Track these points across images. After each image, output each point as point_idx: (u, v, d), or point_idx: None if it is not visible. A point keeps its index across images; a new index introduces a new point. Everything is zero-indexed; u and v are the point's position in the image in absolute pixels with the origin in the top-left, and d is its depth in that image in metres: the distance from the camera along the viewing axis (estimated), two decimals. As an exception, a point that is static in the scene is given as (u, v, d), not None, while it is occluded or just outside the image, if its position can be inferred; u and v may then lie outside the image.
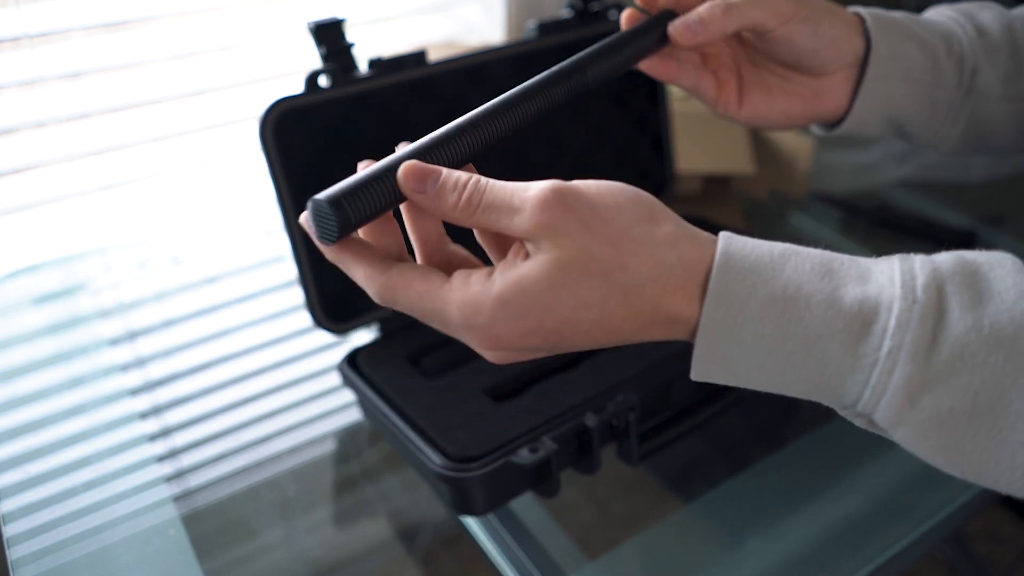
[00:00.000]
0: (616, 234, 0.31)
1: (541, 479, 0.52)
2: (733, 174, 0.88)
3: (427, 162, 0.34)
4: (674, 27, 0.47)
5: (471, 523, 0.57)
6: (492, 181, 0.33)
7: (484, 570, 0.56)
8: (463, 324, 0.32)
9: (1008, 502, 1.23)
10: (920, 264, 0.31)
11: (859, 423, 0.32)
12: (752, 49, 0.51)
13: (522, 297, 0.31)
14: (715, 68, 0.51)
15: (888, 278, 0.31)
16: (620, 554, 0.55)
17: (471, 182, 0.33)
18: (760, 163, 0.90)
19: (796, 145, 0.89)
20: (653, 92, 0.75)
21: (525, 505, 0.58)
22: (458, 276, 0.32)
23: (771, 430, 0.67)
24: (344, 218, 0.32)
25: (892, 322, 0.30)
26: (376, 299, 0.33)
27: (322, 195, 0.32)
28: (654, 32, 0.48)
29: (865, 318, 0.30)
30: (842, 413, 0.33)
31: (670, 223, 0.33)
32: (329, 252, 0.34)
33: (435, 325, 0.33)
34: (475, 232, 0.35)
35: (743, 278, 0.31)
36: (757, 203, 0.94)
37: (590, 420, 0.52)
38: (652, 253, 0.31)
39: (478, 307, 0.31)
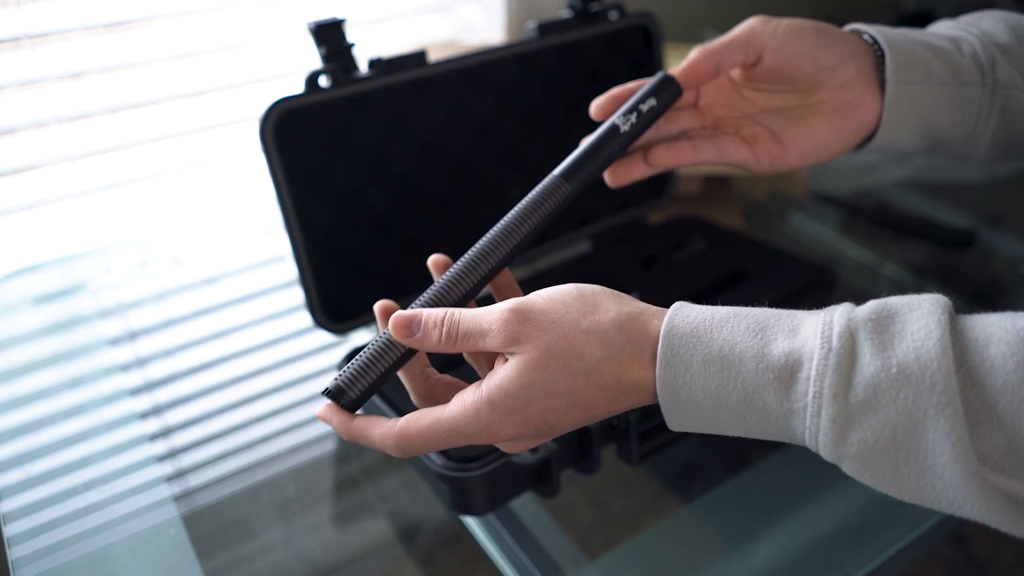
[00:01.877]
0: (568, 330, 0.37)
1: (541, 479, 0.52)
2: (733, 175, 0.88)
3: (440, 304, 0.41)
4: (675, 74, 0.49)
5: (471, 523, 0.57)
6: (463, 312, 0.39)
7: (484, 570, 0.56)
8: (472, 433, 0.37)
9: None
10: (839, 314, 0.34)
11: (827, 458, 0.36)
12: (760, 87, 0.50)
13: (505, 397, 0.36)
14: (735, 130, 0.50)
15: (812, 330, 0.34)
16: (620, 554, 0.55)
17: (446, 318, 0.39)
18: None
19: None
20: (653, 92, 0.75)
21: (525, 505, 0.58)
22: (454, 399, 0.38)
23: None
24: (352, 403, 0.42)
25: (813, 371, 0.33)
26: (398, 453, 0.39)
27: (331, 384, 0.41)
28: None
29: (792, 368, 0.34)
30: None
31: (614, 309, 0.37)
32: (345, 433, 0.41)
33: (453, 444, 0.38)
34: (463, 354, 0.42)
35: (685, 343, 0.36)
36: (757, 203, 0.94)
37: (590, 420, 0.52)
38: (601, 339, 0.36)
39: (477, 414, 0.37)
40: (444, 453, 0.51)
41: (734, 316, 0.36)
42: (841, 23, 0.52)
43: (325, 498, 0.61)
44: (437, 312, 0.39)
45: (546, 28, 0.68)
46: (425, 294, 0.42)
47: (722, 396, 0.35)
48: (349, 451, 0.65)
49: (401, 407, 0.55)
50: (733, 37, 0.49)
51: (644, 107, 0.48)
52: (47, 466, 0.60)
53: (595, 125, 0.72)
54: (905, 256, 0.85)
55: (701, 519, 0.58)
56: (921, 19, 1.24)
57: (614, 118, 0.48)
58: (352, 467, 0.64)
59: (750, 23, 0.49)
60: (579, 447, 0.54)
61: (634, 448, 0.54)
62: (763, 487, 0.59)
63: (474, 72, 0.65)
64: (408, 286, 0.64)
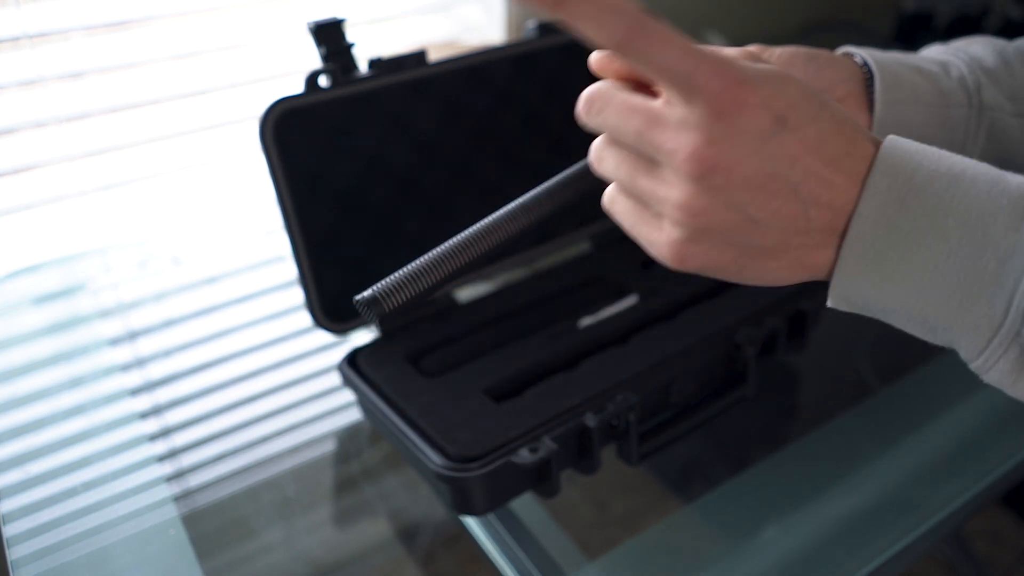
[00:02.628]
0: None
1: (541, 479, 0.52)
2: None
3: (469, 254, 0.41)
4: None
5: (471, 523, 0.57)
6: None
7: (484, 570, 0.56)
8: (712, 63, 0.31)
9: (1008, 502, 1.23)
10: None
11: (1001, 368, 0.32)
12: None
13: (762, 72, 0.32)
14: None
15: None
16: (620, 554, 0.55)
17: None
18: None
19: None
20: (653, 92, 0.75)
21: (525, 505, 0.58)
22: None
23: (771, 430, 0.67)
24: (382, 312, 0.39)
25: None
26: (621, 25, 0.30)
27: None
28: None
29: None
30: (982, 358, 0.33)
31: None
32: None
33: (683, 66, 0.31)
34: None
35: (910, 154, 0.32)
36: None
37: (590, 420, 0.52)
38: (832, 103, 0.33)
39: (728, 62, 0.31)
40: (444, 454, 0.51)
41: (960, 156, 0.33)
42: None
43: (325, 498, 0.61)
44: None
45: (546, 28, 0.68)
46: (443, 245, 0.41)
47: (939, 215, 0.31)
48: (349, 451, 0.65)
49: (401, 406, 0.55)
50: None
51: None
52: (47, 466, 0.60)
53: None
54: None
55: (701, 519, 0.58)
56: (921, 19, 1.24)
57: None
58: (352, 467, 0.64)
59: (747, 50, 0.49)
60: (579, 447, 0.54)
61: (634, 448, 0.54)
62: (763, 487, 0.59)
63: (474, 72, 0.65)
64: (408, 286, 0.64)
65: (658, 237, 0.35)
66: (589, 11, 0.30)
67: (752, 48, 0.49)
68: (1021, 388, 0.33)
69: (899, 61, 0.50)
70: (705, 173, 0.31)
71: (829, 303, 0.35)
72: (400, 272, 0.40)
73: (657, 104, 0.33)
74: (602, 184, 0.45)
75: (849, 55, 0.51)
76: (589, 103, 0.36)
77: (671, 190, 0.33)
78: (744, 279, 0.35)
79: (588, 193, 0.48)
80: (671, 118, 0.32)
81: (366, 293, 0.38)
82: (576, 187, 0.48)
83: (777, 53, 0.49)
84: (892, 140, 0.33)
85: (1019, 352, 0.31)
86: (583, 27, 0.30)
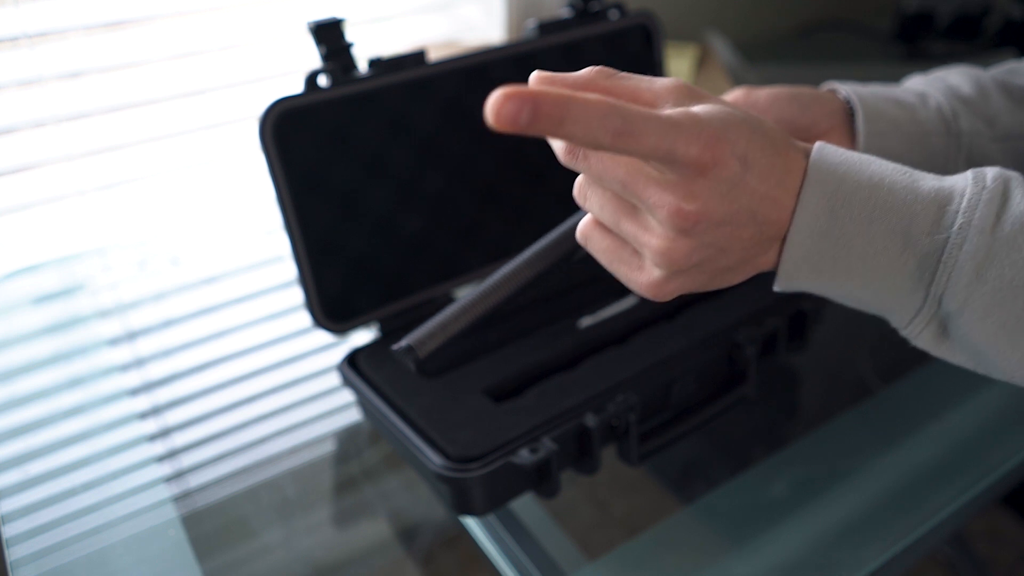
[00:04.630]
0: (736, 112, 0.36)
1: (541, 479, 0.52)
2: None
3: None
4: None
5: (471, 523, 0.57)
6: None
7: (484, 570, 0.56)
8: (691, 129, 0.33)
9: (1009, 502, 1.23)
10: (991, 167, 0.37)
11: (924, 338, 0.37)
12: None
13: (718, 116, 0.35)
14: None
15: (962, 177, 0.36)
16: (620, 555, 0.55)
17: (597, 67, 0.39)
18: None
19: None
20: (653, 92, 0.75)
21: (525, 505, 0.58)
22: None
23: (771, 430, 0.67)
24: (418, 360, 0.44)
25: (963, 203, 0.35)
26: (616, 127, 0.32)
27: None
28: None
29: (940, 202, 0.35)
30: (909, 328, 0.37)
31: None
32: (556, 97, 0.32)
33: (665, 139, 0.33)
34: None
35: (836, 165, 0.36)
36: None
37: (590, 420, 0.52)
38: (763, 122, 0.36)
39: (694, 116, 0.34)
40: (444, 454, 0.51)
41: (879, 160, 0.37)
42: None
43: (325, 498, 0.61)
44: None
45: (546, 28, 0.68)
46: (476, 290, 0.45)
47: (863, 223, 0.35)
48: (349, 451, 0.65)
49: (401, 406, 0.55)
50: None
51: None
52: (46, 466, 0.60)
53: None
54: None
55: (701, 520, 0.58)
56: (921, 19, 1.24)
57: None
58: (352, 467, 0.64)
59: (734, 95, 0.54)
60: (579, 447, 0.54)
61: (634, 448, 0.54)
62: (763, 487, 0.59)
63: (474, 72, 0.65)
64: (408, 286, 0.64)
65: (638, 276, 0.38)
66: (579, 130, 0.31)
67: (737, 92, 0.53)
68: (942, 352, 0.38)
69: (879, 95, 0.53)
70: (688, 226, 0.35)
71: (775, 288, 0.40)
72: (432, 320, 0.43)
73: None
74: None
75: (832, 91, 0.54)
76: (571, 150, 0.37)
77: (654, 238, 0.36)
78: (708, 289, 0.39)
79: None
80: (654, 174, 0.35)
81: (402, 343, 0.42)
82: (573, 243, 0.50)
83: (764, 95, 0.53)
84: (819, 152, 0.37)
85: (937, 326, 0.37)
86: (574, 140, 0.32)
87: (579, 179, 0.40)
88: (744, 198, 0.35)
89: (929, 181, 0.36)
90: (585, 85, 0.37)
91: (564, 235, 0.50)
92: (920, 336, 0.38)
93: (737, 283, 0.39)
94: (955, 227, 0.34)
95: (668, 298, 0.38)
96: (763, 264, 0.38)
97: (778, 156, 0.36)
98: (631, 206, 0.37)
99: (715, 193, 0.34)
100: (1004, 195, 0.35)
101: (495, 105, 0.31)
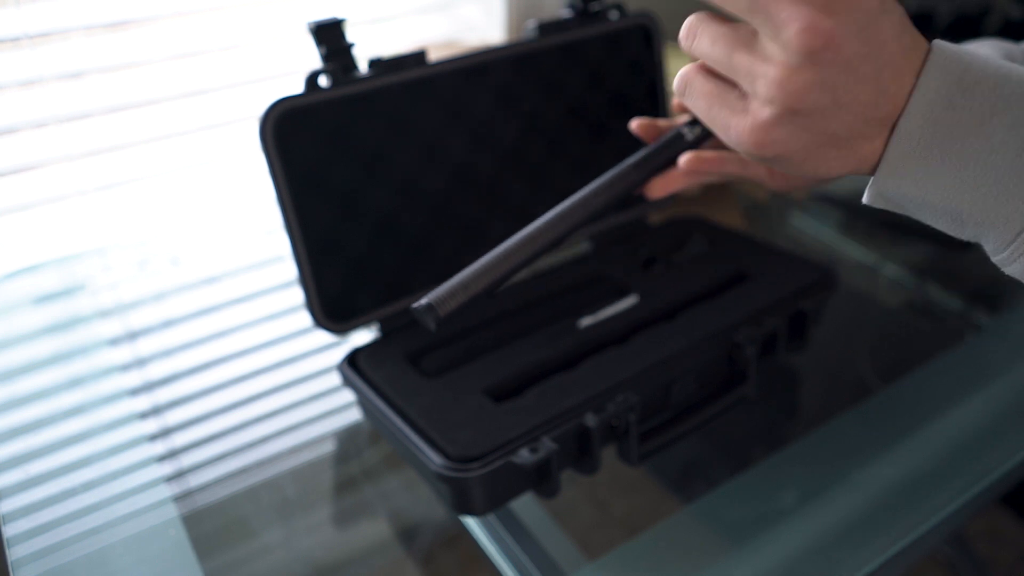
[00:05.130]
0: None
1: (541, 479, 0.52)
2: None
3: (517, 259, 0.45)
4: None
5: (471, 523, 0.57)
6: None
7: (484, 570, 0.56)
8: None
9: (1008, 502, 1.23)
10: None
11: (1020, 263, 0.34)
12: None
13: None
14: None
15: None
16: (620, 555, 0.55)
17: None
18: (760, 163, 0.90)
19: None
20: (653, 92, 0.75)
21: (525, 505, 0.58)
22: None
23: (771, 430, 0.67)
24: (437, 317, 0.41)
25: None
26: None
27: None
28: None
29: None
30: (1007, 252, 0.34)
31: None
32: None
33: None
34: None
35: (959, 57, 0.33)
36: (757, 203, 0.94)
37: (590, 420, 0.52)
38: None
39: None
40: (444, 454, 0.51)
41: (1007, 61, 0.35)
42: None
43: (325, 498, 0.61)
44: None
45: (546, 28, 0.68)
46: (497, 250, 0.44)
47: (986, 115, 0.32)
48: (349, 451, 0.65)
49: (401, 406, 0.55)
50: None
51: None
52: (47, 466, 0.60)
53: (595, 125, 0.73)
54: (905, 256, 0.85)
55: (701, 520, 0.58)
56: (921, 19, 1.24)
57: (680, 127, 0.52)
58: (352, 467, 0.64)
59: None
60: (579, 447, 0.54)
61: (634, 448, 0.54)
62: (763, 487, 0.59)
63: (474, 72, 0.65)
64: (408, 286, 0.64)
65: (740, 120, 0.35)
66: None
67: None
68: None
69: None
70: (818, 47, 0.32)
71: (865, 199, 0.36)
72: (454, 279, 0.42)
73: None
74: (642, 184, 0.50)
75: None
76: None
77: (772, 67, 0.33)
78: (803, 169, 0.36)
79: (630, 194, 0.51)
80: None
81: (422, 301, 0.40)
82: (619, 188, 0.50)
83: None
84: (940, 43, 0.34)
85: None
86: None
87: (687, 22, 0.37)
88: (876, 46, 0.33)
89: None
90: None
91: (583, 200, 0.50)
92: (1018, 260, 0.34)
93: (835, 172, 0.36)
94: None
95: (768, 152, 0.35)
96: (865, 151, 0.35)
97: (907, 29, 0.33)
98: (748, 36, 0.34)
99: (851, 19, 0.32)
100: None
101: None
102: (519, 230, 0.50)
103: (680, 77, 0.38)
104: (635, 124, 0.56)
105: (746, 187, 0.93)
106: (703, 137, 0.53)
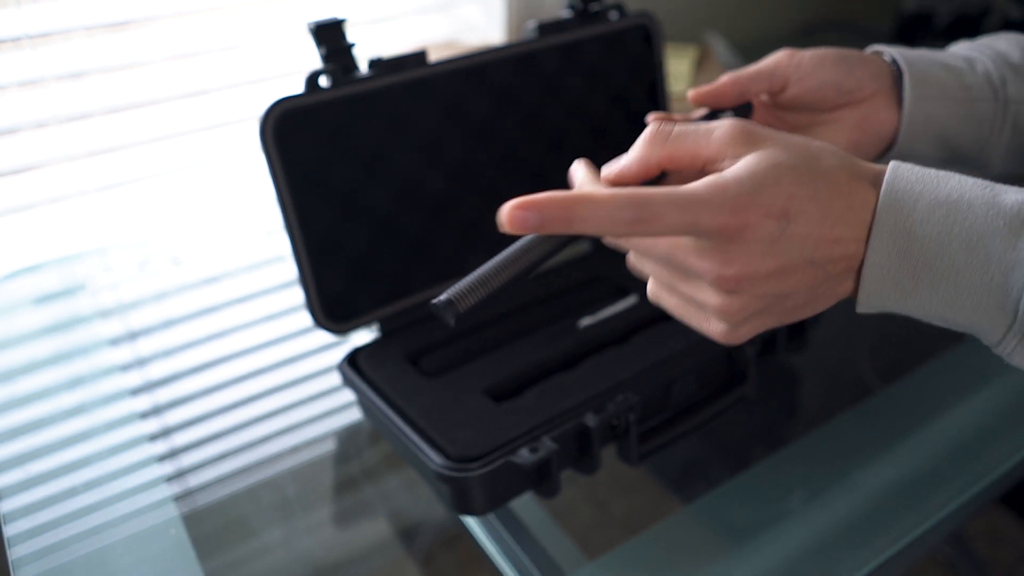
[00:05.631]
0: (800, 141, 0.37)
1: (541, 479, 0.52)
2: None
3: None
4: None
5: (471, 523, 0.57)
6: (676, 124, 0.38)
7: (484, 570, 0.56)
8: (714, 200, 0.34)
9: (1008, 502, 1.23)
10: None
11: (1019, 355, 0.35)
12: (795, 114, 0.55)
13: (753, 177, 0.34)
14: None
15: None
16: (620, 554, 0.55)
17: (652, 126, 0.39)
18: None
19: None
20: (653, 92, 0.75)
21: (525, 505, 0.58)
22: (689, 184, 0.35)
23: (771, 430, 0.67)
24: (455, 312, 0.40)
25: None
26: (632, 220, 0.34)
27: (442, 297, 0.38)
28: None
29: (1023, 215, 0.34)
30: (1000, 346, 0.36)
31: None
32: (560, 205, 0.34)
33: (688, 218, 0.34)
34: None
35: (911, 186, 0.35)
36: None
37: (590, 420, 0.52)
38: (834, 152, 0.36)
39: (724, 186, 0.34)
40: (444, 454, 0.51)
41: (958, 174, 0.36)
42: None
43: (325, 498, 0.61)
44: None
45: (546, 28, 0.68)
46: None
47: (941, 244, 0.34)
48: (349, 451, 0.65)
49: (401, 406, 0.55)
50: (760, 68, 0.54)
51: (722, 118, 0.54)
52: (47, 466, 0.60)
53: (595, 125, 0.72)
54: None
55: (701, 519, 0.58)
56: (921, 19, 1.24)
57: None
58: (352, 467, 0.64)
59: (776, 56, 0.53)
60: (579, 447, 0.54)
61: (634, 448, 0.54)
62: (763, 487, 0.59)
63: (474, 72, 0.65)
64: (408, 286, 0.64)
65: (708, 327, 0.39)
66: (590, 227, 0.34)
67: (781, 54, 0.53)
68: None
69: (926, 58, 0.52)
70: (733, 287, 0.35)
71: (857, 311, 0.38)
72: (473, 275, 0.42)
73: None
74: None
75: (878, 53, 0.53)
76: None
77: (708, 297, 0.37)
78: (790, 323, 0.39)
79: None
80: (691, 244, 0.36)
81: (442, 297, 0.40)
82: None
83: (808, 56, 0.52)
84: (893, 173, 0.36)
85: None
86: (592, 233, 0.34)
87: (628, 263, 0.41)
88: (793, 249, 0.35)
89: (1012, 195, 0.35)
90: (641, 163, 0.39)
91: None
92: (1014, 353, 0.36)
93: (820, 310, 0.39)
94: None
95: (745, 339, 0.38)
96: (842, 292, 0.38)
97: (836, 197, 0.35)
98: (682, 271, 0.37)
99: (754, 253, 0.35)
100: None
101: (506, 215, 0.34)
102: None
103: (650, 292, 0.41)
104: (652, 118, 0.56)
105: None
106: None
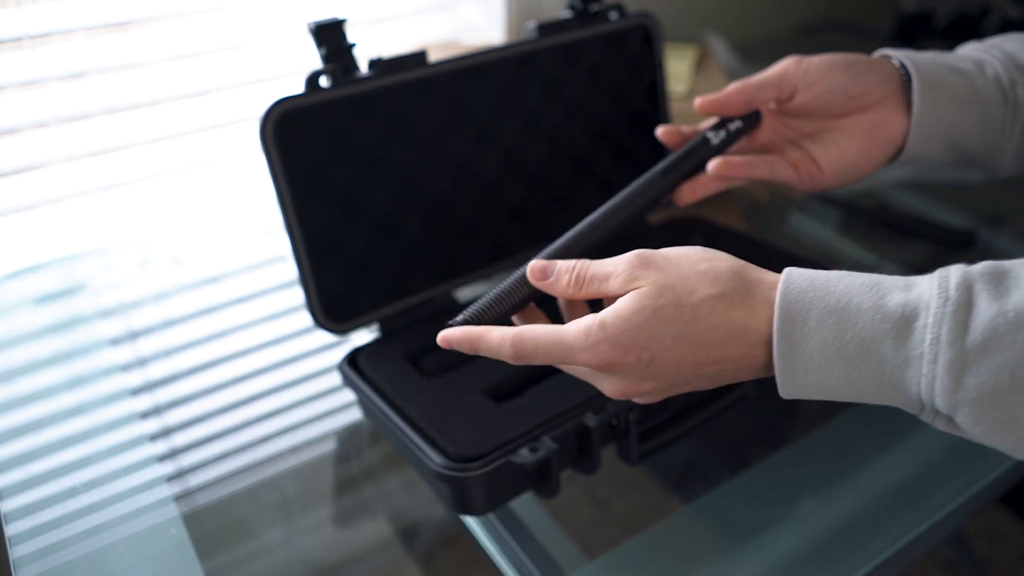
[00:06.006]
0: (685, 270, 0.39)
1: (541, 479, 0.52)
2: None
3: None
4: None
5: (471, 523, 0.57)
6: (590, 261, 0.43)
7: (484, 570, 0.56)
8: (580, 347, 0.39)
9: (1008, 501, 1.23)
10: (955, 270, 0.36)
11: (939, 425, 0.37)
12: (802, 121, 0.55)
13: (616, 319, 0.38)
14: (781, 153, 0.56)
15: (928, 285, 0.36)
16: (620, 554, 0.55)
17: (578, 264, 0.43)
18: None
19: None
20: (653, 92, 0.75)
21: (525, 505, 0.58)
22: (572, 321, 0.41)
23: (771, 430, 0.68)
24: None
25: (930, 319, 0.35)
26: (512, 355, 0.41)
27: (459, 318, 0.45)
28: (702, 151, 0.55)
29: (908, 319, 0.35)
30: (922, 418, 0.37)
31: (731, 260, 0.40)
32: (466, 340, 0.42)
33: (560, 357, 0.40)
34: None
35: (802, 297, 0.37)
36: (757, 203, 0.94)
37: (590, 420, 0.52)
38: (715, 279, 0.39)
39: (588, 331, 0.39)
40: (444, 454, 0.51)
41: (847, 275, 0.38)
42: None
43: (325, 498, 0.61)
44: (569, 261, 0.43)
45: (546, 28, 0.68)
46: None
47: (838, 349, 0.36)
48: (349, 451, 0.65)
49: (401, 406, 0.55)
50: (768, 76, 0.54)
51: (732, 127, 0.55)
52: (48, 466, 0.60)
53: (595, 125, 0.73)
54: (905, 256, 0.85)
55: (701, 519, 0.58)
56: (921, 19, 1.24)
57: (705, 132, 0.54)
58: (352, 467, 0.64)
59: (784, 64, 0.54)
60: (579, 447, 0.54)
61: (634, 448, 0.54)
62: (763, 487, 0.59)
63: (474, 72, 0.65)
64: (408, 286, 0.64)
65: (610, 391, 0.42)
66: (489, 354, 0.42)
67: (788, 61, 0.53)
68: (963, 435, 0.37)
69: (936, 63, 0.52)
70: (620, 397, 0.41)
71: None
72: (485, 297, 0.46)
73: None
74: (671, 190, 0.53)
75: (887, 57, 0.53)
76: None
77: (605, 388, 0.42)
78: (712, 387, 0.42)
79: (658, 202, 0.53)
80: (585, 369, 0.42)
81: (458, 318, 0.44)
82: (648, 196, 0.52)
83: (815, 63, 0.53)
84: (785, 285, 0.38)
85: (946, 420, 0.36)
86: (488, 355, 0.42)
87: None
88: (668, 372, 0.39)
89: (896, 295, 0.36)
90: (562, 296, 0.44)
91: (612, 210, 0.51)
92: (936, 424, 0.37)
93: (742, 379, 0.41)
94: (926, 343, 0.34)
95: (657, 400, 0.42)
96: (756, 375, 0.40)
97: (711, 328, 0.38)
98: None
99: (631, 379, 0.40)
100: (969, 303, 0.34)
101: (440, 339, 0.43)
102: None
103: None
104: (660, 131, 0.57)
105: (746, 187, 0.94)
106: (729, 141, 0.54)
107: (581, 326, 0.39)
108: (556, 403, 0.54)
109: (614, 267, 0.40)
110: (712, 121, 0.57)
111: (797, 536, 0.55)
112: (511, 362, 0.41)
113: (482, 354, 0.42)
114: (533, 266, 0.45)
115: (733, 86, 0.54)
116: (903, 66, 0.52)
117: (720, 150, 0.54)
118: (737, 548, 0.55)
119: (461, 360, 0.60)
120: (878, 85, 0.52)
